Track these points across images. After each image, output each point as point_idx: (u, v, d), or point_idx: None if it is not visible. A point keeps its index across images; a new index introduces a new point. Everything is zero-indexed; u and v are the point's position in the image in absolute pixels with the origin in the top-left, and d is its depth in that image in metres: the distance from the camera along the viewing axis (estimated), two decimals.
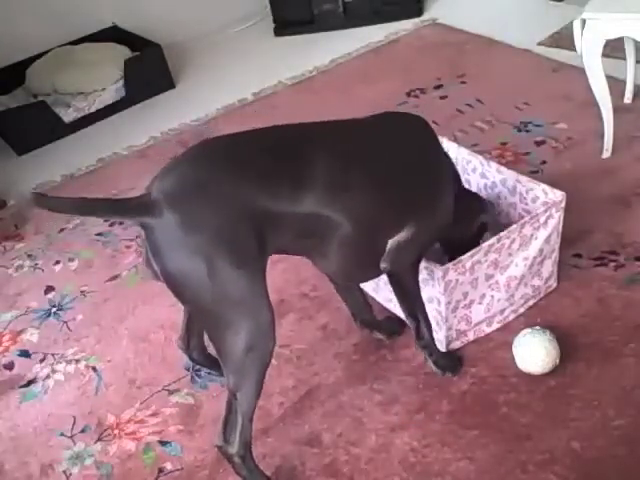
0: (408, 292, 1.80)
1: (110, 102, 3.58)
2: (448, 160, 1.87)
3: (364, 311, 2.01)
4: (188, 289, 1.44)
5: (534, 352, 1.78)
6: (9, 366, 2.22)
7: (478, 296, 1.87)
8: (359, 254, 1.65)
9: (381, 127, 1.76)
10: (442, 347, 1.89)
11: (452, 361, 1.89)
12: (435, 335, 1.85)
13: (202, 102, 3.52)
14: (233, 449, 1.58)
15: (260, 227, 1.45)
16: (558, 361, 1.79)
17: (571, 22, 2.38)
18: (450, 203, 1.78)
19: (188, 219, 1.39)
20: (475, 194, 2.01)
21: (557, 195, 1.90)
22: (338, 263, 1.65)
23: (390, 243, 1.67)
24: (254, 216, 1.43)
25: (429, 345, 1.85)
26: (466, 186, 2.05)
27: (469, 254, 1.78)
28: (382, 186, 1.61)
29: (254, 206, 1.44)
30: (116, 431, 1.93)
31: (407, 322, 1.85)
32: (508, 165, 2.28)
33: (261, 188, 1.46)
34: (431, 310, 1.84)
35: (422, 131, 1.80)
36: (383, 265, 1.71)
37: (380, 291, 2.06)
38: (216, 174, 1.45)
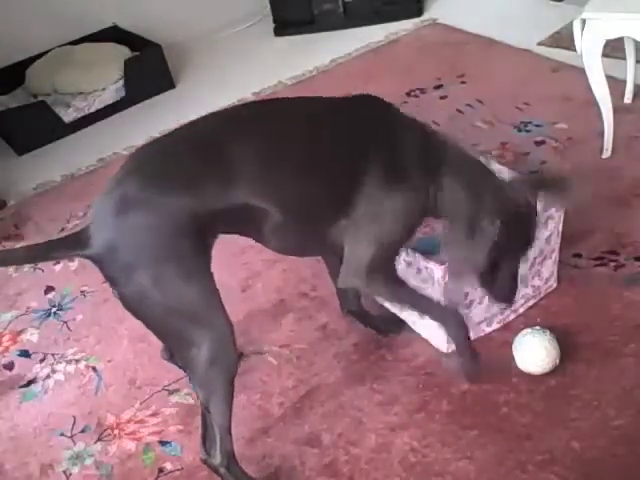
0: (399, 302, 1.75)
1: (110, 102, 3.58)
2: (425, 152, 1.64)
3: (351, 301, 2.01)
4: (140, 310, 1.47)
5: (534, 352, 1.78)
6: (9, 366, 2.22)
7: (478, 296, 1.87)
8: (298, 239, 1.63)
9: (331, 107, 1.68)
10: (443, 347, 1.89)
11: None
12: (435, 335, 1.85)
13: (202, 102, 3.51)
14: (216, 461, 1.60)
15: (197, 231, 1.45)
16: (558, 361, 1.79)
17: (571, 22, 2.38)
18: (413, 207, 1.61)
19: (120, 244, 1.42)
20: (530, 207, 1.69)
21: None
22: (277, 245, 1.66)
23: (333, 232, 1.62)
24: (188, 223, 1.44)
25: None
26: None
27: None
28: (316, 172, 1.55)
29: (186, 213, 1.44)
30: (116, 431, 1.93)
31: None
32: (508, 165, 2.27)
33: (189, 194, 1.45)
34: None
35: (381, 113, 1.67)
36: (338, 283, 1.71)
37: None
38: (143, 190, 1.45)
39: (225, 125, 1.58)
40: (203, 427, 1.62)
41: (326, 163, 1.57)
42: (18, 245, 2.76)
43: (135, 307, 1.47)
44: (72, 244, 1.48)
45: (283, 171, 1.53)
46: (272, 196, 1.52)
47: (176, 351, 1.56)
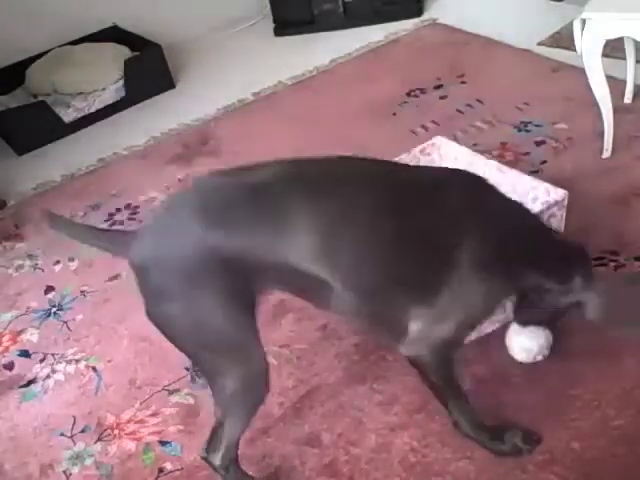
0: (435, 385, 1.61)
1: (110, 102, 3.58)
2: (517, 227, 1.55)
3: None
4: (172, 333, 1.45)
5: (521, 342, 1.79)
6: (9, 366, 2.22)
7: None
8: (366, 319, 1.54)
9: (415, 178, 1.54)
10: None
11: (508, 442, 1.65)
12: None
13: (202, 102, 3.52)
14: (216, 462, 1.58)
15: (241, 276, 1.39)
16: (547, 352, 1.79)
17: (571, 22, 2.38)
18: (493, 290, 1.52)
19: (156, 266, 1.40)
20: (585, 261, 1.63)
21: (559, 194, 1.90)
22: (342, 316, 1.59)
23: (410, 324, 1.49)
24: (231, 265, 1.37)
25: (470, 437, 1.66)
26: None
27: None
28: (392, 251, 1.42)
29: (229, 254, 1.37)
30: (116, 431, 1.93)
31: None
32: (508, 165, 2.27)
33: (237, 237, 1.39)
34: None
35: (474, 193, 1.54)
36: (402, 351, 1.55)
37: None
38: (194, 221, 1.40)
39: (293, 180, 1.52)
40: (213, 432, 1.57)
41: (413, 242, 1.43)
42: (18, 245, 2.77)
43: (162, 327, 1.45)
44: (122, 245, 1.47)
45: (351, 242, 1.41)
46: (335, 268, 1.40)
47: (202, 373, 1.52)
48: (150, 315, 1.44)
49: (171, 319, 1.41)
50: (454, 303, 1.48)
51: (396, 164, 1.64)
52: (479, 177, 1.58)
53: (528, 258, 1.53)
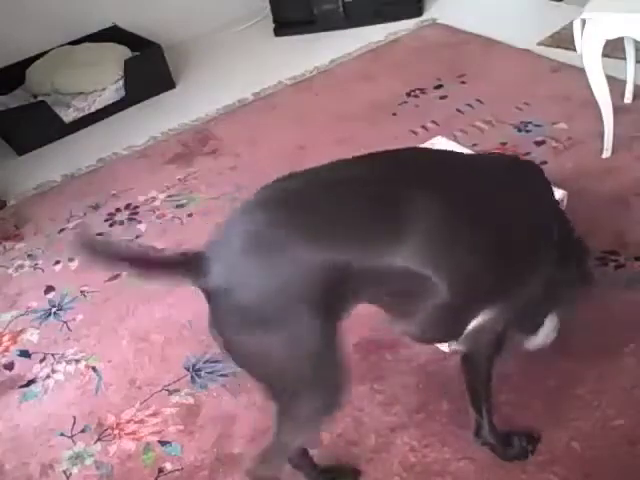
0: (478, 382, 1.58)
1: (110, 102, 3.58)
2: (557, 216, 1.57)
3: None
4: (244, 360, 1.31)
5: None
6: (9, 366, 2.22)
7: None
8: (444, 321, 1.42)
9: (495, 172, 1.49)
10: (444, 348, 1.89)
11: (516, 446, 1.66)
12: None
13: (202, 102, 3.52)
14: (269, 471, 1.48)
15: (339, 286, 1.25)
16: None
17: (571, 22, 2.38)
18: (547, 274, 1.50)
19: (241, 287, 1.22)
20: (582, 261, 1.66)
21: (558, 194, 1.90)
22: (419, 326, 1.44)
23: (477, 318, 1.45)
24: (331, 275, 1.23)
25: (489, 443, 1.65)
26: None
27: None
28: (490, 246, 1.35)
29: (333, 263, 1.23)
30: (116, 431, 1.93)
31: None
32: None
33: (339, 246, 1.24)
34: None
35: (539, 183, 1.56)
36: (459, 347, 1.52)
37: None
38: (281, 232, 1.23)
39: (394, 170, 1.36)
40: (269, 448, 1.46)
41: (499, 238, 1.37)
42: (18, 245, 2.77)
43: (238, 355, 1.30)
44: (186, 268, 1.28)
45: (461, 239, 1.32)
46: (445, 267, 1.30)
47: (276, 397, 1.34)
48: (233, 345, 1.28)
49: (260, 347, 1.25)
50: (521, 300, 1.47)
51: (462, 155, 1.55)
52: (536, 166, 1.60)
53: (564, 252, 1.55)
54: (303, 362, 1.27)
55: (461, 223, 1.31)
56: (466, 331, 1.47)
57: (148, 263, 1.30)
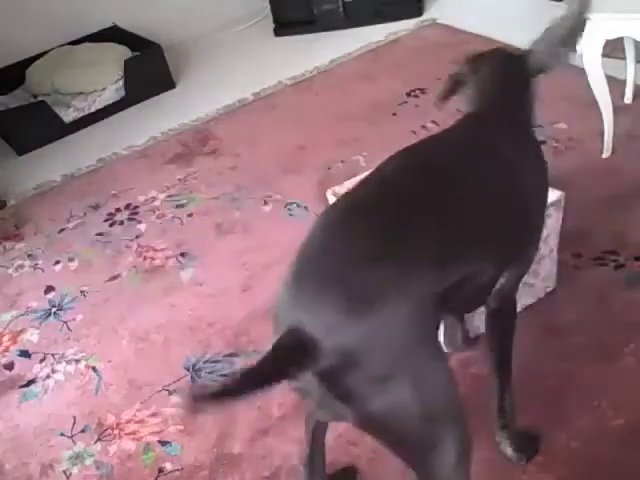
0: (507, 333, 1.59)
1: (110, 102, 3.59)
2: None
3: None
4: (395, 424, 1.14)
5: None
6: (9, 366, 2.22)
7: None
8: (483, 293, 1.46)
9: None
10: (443, 347, 1.89)
11: (531, 443, 1.66)
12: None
13: (202, 102, 3.53)
14: None
15: (438, 313, 1.21)
16: None
17: None
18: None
19: (365, 350, 1.07)
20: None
21: (555, 195, 1.90)
22: (467, 307, 1.50)
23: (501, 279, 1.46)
24: (434, 305, 1.16)
25: (509, 425, 1.62)
26: None
27: None
28: (512, 215, 1.38)
29: (433, 292, 1.16)
30: (116, 431, 1.93)
31: (494, 385, 1.63)
32: None
33: (435, 267, 1.17)
34: None
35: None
36: (492, 304, 1.52)
37: None
38: (377, 270, 1.11)
39: (438, 173, 1.31)
40: None
41: (519, 208, 1.41)
42: (18, 245, 2.77)
43: (383, 422, 1.14)
44: (297, 356, 1.07)
45: (490, 221, 1.31)
46: (484, 252, 1.30)
47: (413, 462, 1.23)
48: (368, 413, 1.12)
49: (399, 402, 1.11)
50: (528, 256, 1.53)
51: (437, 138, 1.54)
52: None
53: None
54: (435, 404, 1.16)
55: (493, 206, 1.32)
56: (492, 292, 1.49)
57: (261, 381, 1.13)
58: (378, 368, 1.08)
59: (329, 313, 1.07)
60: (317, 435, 1.54)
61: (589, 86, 2.43)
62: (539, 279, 1.98)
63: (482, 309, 1.60)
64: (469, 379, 1.85)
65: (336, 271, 1.12)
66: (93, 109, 3.55)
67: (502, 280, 1.47)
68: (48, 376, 2.15)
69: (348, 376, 1.08)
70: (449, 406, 1.19)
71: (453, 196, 1.27)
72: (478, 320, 1.91)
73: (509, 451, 1.63)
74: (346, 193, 1.30)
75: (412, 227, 1.17)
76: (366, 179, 1.34)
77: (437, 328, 1.24)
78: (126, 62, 3.60)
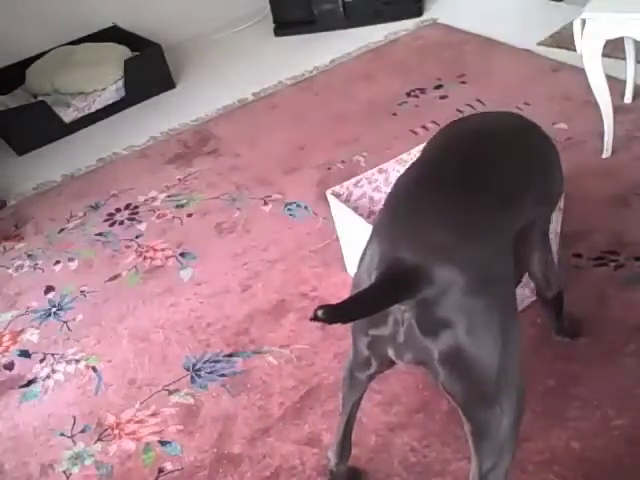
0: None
1: (110, 102, 3.59)
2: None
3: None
4: (476, 363, 1.18)
5: None
6: (9, 366, 2.22)
7: None
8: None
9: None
10: None
11: (575, 324, 1.89)
12: None
13: (202, 102, 3.53)
14: None
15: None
16: None
17: (571, 22, 2.38)
18: None
19: (478, 275, 1.15)
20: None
21: None
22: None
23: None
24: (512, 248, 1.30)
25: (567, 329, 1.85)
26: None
27: None
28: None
29: (513, 233, 1.33)
30: (116, 431, 1.93)
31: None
32: None
33: (517, 211, 1.36)
34: None
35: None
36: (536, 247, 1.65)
37: None
38: (477, 207, 1.25)
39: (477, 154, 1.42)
40: None
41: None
42: (18, 245, 2.77)
43: (466, 359, 1.17)
44: (407, 284, 1.13)
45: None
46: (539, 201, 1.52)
47: (474, 413, 1.25)
48: (458, 346, 1.16)
49: (485, 338, 1.17)
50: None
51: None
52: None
53: None
54: (515, 351, 1.22)
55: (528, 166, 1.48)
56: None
57: (377, 303, 1.16)
58: (478, 298, 1.15)
59: (438, 240, 1.17)
60: (352, 412, 1.58)
61: (589, 86, 2.43)
62: None
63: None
64: None
65: (431, 207, 1.24)
66: (93, 109, 3.55)
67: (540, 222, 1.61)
68: (48, 376, 2.15)
69: (448, 303, 1.13)
70: (517, 365, 1.24)
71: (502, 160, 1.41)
72: None
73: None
74: (413, 164, 1.47)
75: (485, 177, 1.33)
76: (426, 152, 1.55)
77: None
78: (126, 62, 3.60)
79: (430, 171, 1.40)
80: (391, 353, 1.27)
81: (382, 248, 1.22)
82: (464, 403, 1.26)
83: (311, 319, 1.06)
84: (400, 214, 1.29)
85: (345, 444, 1.61)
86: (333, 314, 1.10)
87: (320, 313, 1.06)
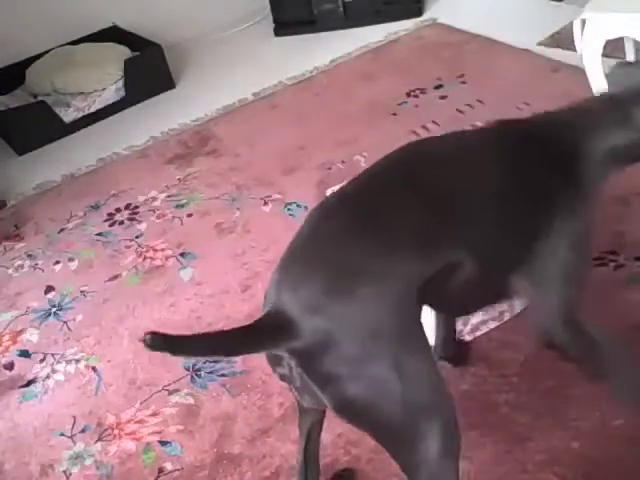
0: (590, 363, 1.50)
1: (110, 102, 3.58)
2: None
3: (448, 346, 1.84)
4: (373, 410, 1.14)
5: None
6: (9, 366, 2.22)
7: None
8: (478, 292, 1.39)
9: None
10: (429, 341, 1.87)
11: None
12: (434, 337, 1.85)
13: (202, 102, 3.53)
14: None
15: (419, 301, 1.20)
16: None
17: (571, 22, 2.39)
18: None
19: (344, 332, 1.10)
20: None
21: None
22: (456, 305, 1.44)
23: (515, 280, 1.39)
24: (415, 292, 1.17)
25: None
26: None
27: None
28: (505, 209, 1.33)
29: (415, 279, 1.17)
30: (116, 431, 1.93)
31: None
32: None
33: (419, 255, 1.19)
34: (429, 310, 1.83)
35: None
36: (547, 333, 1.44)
37: None
38: (361, 255, 1.15)
39: (440, 168, 1.33)
40: None
41: (513, 198, 1.34)
42: (18, 245, 2.77)
43: (360, 407, 1.14)
44: (273, 333, 1.13)
45: (480, 214, 1.29)
46: (470, 244, 1.27)
47: (396, 453, 1.21)
48: (347, 396, 1.12)
49: (378, 386, 1.12)
50: (559, 252, 1.42)
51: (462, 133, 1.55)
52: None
53: None
54: (422, 384, 1.17)
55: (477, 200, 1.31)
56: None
57: (231, 346, 1.20)
58: (354, 349, 1.09)
59: (308, 294, 1.12)
60: (311, 436, 1.52)
61: (589, 86, 2.43)
62: None
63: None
64: (469, 377, 1.85)
65: (319, 255, 1.18)
66: (93, 109, 3.55)
67: (519, 289, 1.40)
68: (48, 376, 2.15)
69: (325, 357, 1.09)
70: (431, 396, 1.17)
71: (437, 184, 1.27)
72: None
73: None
74: (337, 190, 1.35)
75: (395, 212, 1.21)
76: (358, 174, 1.37)
77: (419, 315, 1.21)
78: (126, 62, 3.60)
79: (338, 203, 1.30)
80: (295, 393, 1.26)
81: (272, 289, 1.19)
82: (385, 449, 1.22)
83: (141, 340, 1.02)
84: (295, 247, 1.25)
85: (308, 470, 1.52)
86: (159, 343, 1.04)
87: (147, 339, 1.01)
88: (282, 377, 1.25)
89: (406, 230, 1.20)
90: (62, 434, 1.96)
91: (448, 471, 1.21)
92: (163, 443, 1.87)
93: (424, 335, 1.20)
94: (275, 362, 1.22)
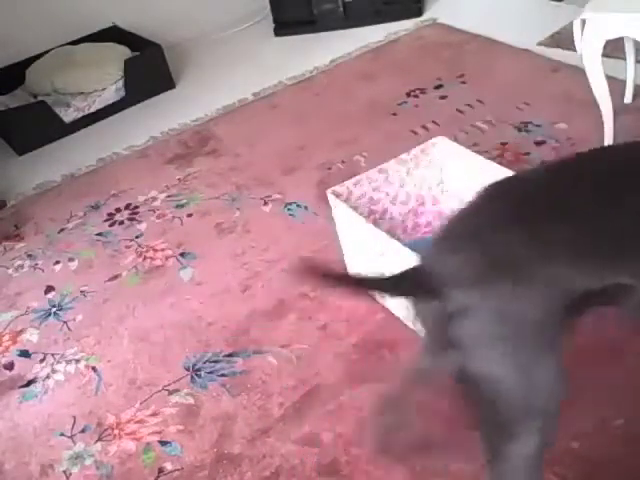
0: None
1: (110, 102, 3.58)
2: None
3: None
4: (492, 393, 1.17)
5: None
6: (9, 366, 2.22)
7: None
8: None
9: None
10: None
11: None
12: None
13: (202, 102, 3.53)
14: None
15: (567, 310, 1.18)
16: None
17: (571, 22, 2.38)
18: None
19: (500, 307, 1.13)
20: None
21: None
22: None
23: None
24: (563, 301, 1.16)
25: None
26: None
27: None
28: None
29: (568, 287, 1.16)
30: (116, 431, 1.93)
31: None
32: (508, 165, 2.27)
33: (575, 266, 1.16)
34: None
35: None
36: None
37: None
38: (518, 249, 1.15)
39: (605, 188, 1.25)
40: None
41: None
42: (18, 245, 2.77)
43: (481, 385, 1.17)
44: (422, 288, 1.17)
45: None
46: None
47: (490, 438, 1.25)
48: (471, 370, 1.15)
49: (498, 375, 1.15)
50: None
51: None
52: None
53: None
54: (546, 387, 1.18)
55: None
56: None
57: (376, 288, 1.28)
58: (495, 329, 1.13)
59: (463, 263, 1.15)
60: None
61: (589, 86, 2.43)
62: None
63: None
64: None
65: (487, 231, 1.18)
66: (93, 109, 3.55)
67: None
68: (48, 376, 2.15)
69: (466, 322, 1.12)
70: (549, 401, 1.19)
71: (615, 205, 1.20)
72: None
73: None
74: (528, 172, 1.35)
75: (564, 219, 1.18)
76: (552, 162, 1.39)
77: (563, 322, 1.19)
78: (126, 62, 3.60)
79: (524, 187, 1.28)
80: (421, 347, 1.30)
81: (428, 251, 1.24)
82: (477, 424, 1.24)
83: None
84: (455, 225, 1.26)
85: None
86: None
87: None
88: (418, 316, 1.28)
89: (580, 237, 1.17)
90: (62, 434, 1.96)
91: (533, 471, 1.25)
92: (163, 443, 1.87)
93: (561, 344, 1.20)
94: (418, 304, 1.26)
